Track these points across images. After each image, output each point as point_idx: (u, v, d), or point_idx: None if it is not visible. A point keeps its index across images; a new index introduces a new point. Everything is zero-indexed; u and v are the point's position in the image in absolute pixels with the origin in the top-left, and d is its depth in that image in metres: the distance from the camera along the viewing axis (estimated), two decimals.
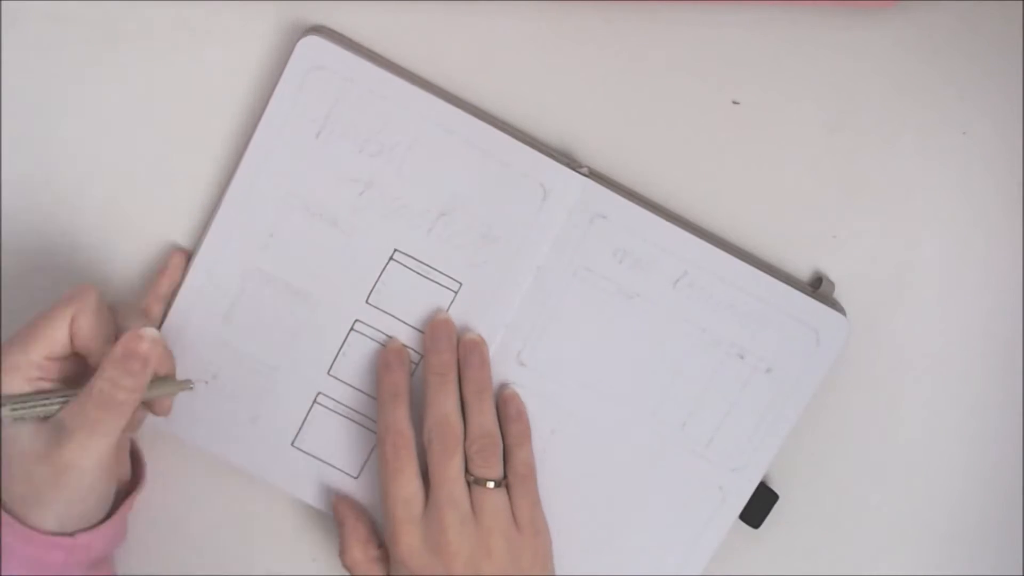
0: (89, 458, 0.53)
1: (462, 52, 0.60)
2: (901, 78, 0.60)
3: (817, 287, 0.61)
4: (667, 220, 0.59)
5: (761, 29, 0.60)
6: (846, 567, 0.65)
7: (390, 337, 0.61)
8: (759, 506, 0.63)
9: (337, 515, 0.62)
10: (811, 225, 0.62)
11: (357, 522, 0.62)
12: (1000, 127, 0.61)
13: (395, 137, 0.58)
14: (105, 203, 0.62)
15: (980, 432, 0.64)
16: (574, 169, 0.59)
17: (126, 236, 0.62)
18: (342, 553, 0.61)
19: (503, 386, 0.61)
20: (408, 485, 0.58)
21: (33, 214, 0.62)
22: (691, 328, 0.60)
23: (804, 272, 0.62)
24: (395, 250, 0.60)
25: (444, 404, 0.59)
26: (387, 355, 0.61)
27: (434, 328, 0.60)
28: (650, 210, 0.59)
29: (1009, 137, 0.61)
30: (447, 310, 0.60)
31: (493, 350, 0.60)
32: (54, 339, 0.54)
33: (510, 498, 0.60)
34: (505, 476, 0.60)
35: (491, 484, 0.59)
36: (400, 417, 0.59)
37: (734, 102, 0.60)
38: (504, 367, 0.61)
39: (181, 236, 0.62)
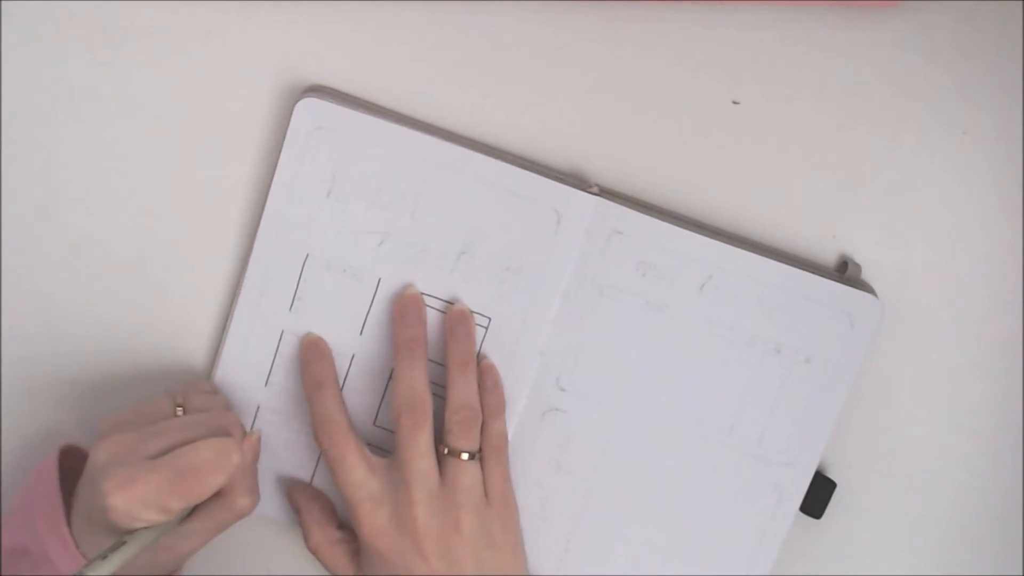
0: (201, 545, 0.57)
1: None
2: (901, 78, 0.60)
3: (844, 272, 0.60)
4: (683, 227, 0.59)
5: (762, 29, 0.60)
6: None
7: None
8: (818, 496, 0.62)
9: (292, 502, 0.63)
10: (809, 225, 0.62)
11: (312, 504, 0.62)
12: (1000, 127, 0.61)
13: (404, 185, 0.59)
14: (107, 205, 0.62)
15: (978, 435, 0.64)
16: (584, 190, 0.59)
17: (126, 242, 0.63)
18: (305, 539, 0.62)
19: (480, 356, 0.61)
20: (354, 469, 0.58)
21: (33, 215, 0.62)
22: (724, 331, 0.60)
23: (828, 259, 0.62)
24: (421, 295, 0.60)
25: (413, 378, 0.59)
26: (307, 351, 0.61)
27: (403, 302, 0.60)
28: (665, 219, 0.59)
29: (1009, 137, 0.61)
30: (480, 346, 0.61)
31: (531, 379, 0.61)
32: (199, 499, 0.55)
33: (482, 470, 0.59)
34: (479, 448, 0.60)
35: (466, 456, 0.58)
36: (329, 405, 0.60)
37: (734, 102, 0.60)
38: (544, 394, 0.61)
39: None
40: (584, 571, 0.63)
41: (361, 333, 0.61)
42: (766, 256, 0.59)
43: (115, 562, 0.52)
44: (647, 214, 0.59)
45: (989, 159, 0.61)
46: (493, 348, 0.61)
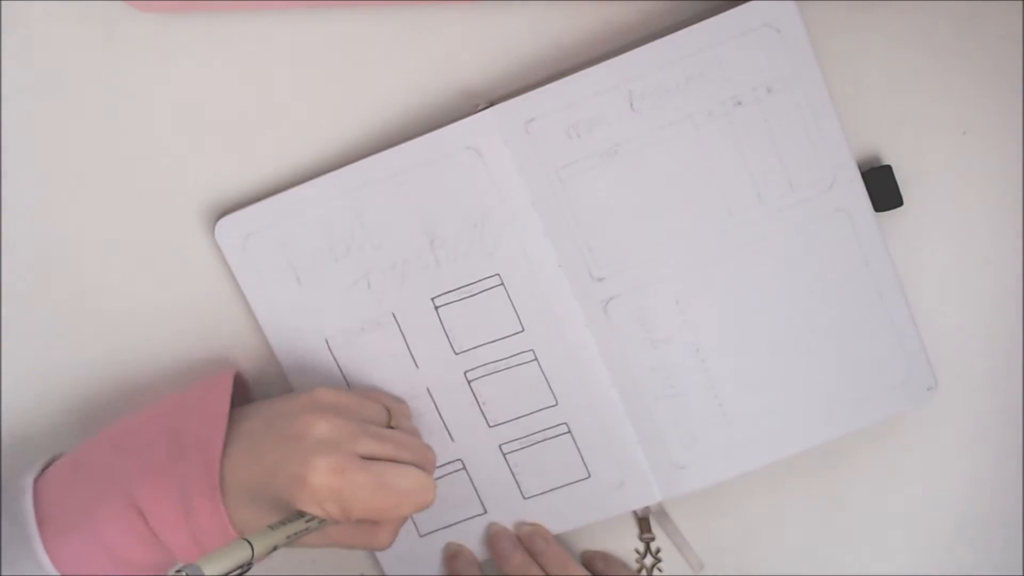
0: (313, 547, 0.57)
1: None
2: (901, 78, 0.60)
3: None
4: (574, 74, 0.57)
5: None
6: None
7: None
8: (883, 187, 0.59)
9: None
10: None
11: None
12: (1000, 127, 0.60)
13: (343, 226, 0.60)
14: (106, 207, 0.62)
15: (981, 435, 0.64)
16: (475, 112, 0.58)
17: (125, 242, 0.62)
18: None
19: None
20: None
21: (33, 215, 0.61)
22: (681, 124, 0.58)
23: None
24: (431, 300, 0.61)
25: None
26: (452, 562, 0.64)
27: (494, 540, 0.63)
28: (555, 80, 0.58)
29: (1009, 137, 0.60)
30: (509, 301, 0.60)
31: (568, 292, 0.60)
32: (381, 519, 0.55)
33: None
34: None
35: None
36: None
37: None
38: (589, 295, 0.60)
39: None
40: (750, 414, 0.61)
41: (418, 367, 0.62)
42: (661, 37, 0.57)
43: (276, 538, 0.50)
44: (537, 87, 0.58)
45: (989, 159, 0.61)
46: (520, 298, 0.60)
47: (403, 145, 0.58)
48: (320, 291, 0.61)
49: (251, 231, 0.60)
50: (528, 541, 0.63)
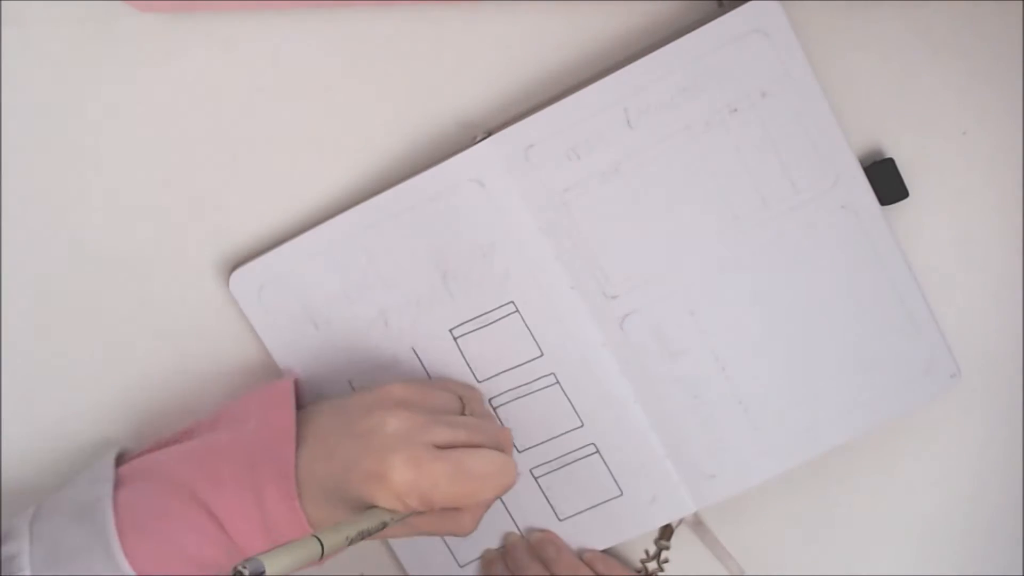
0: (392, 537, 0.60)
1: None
2: (900, 78, 0.60)
3: (721, 3, 0.58)
4: (568, 96, 0.58)
5: None
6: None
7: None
8: (887, 181, 0.59)
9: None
10: None
11: None
12: (1000, 127, 0.60)
13: (355, 267, 0.60)
14: (107, 207, 0.62)
15: (982, 435, 0.64)
16: (475, 144, 0.59)
17: (126, 240, 0.62)
18: None
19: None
20: None
21: (33, 217, 0.61)
22: (679, 137, 0.58)
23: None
24: (449, 332, 0.61)
25: None
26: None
27: (510, 551, 0.63)
28: (549, 105, 0.58)
29: (1009, 137, 0.60)
30: (526, 328, 0.61)
31: (584, 313, 0.60)
32: (464, 505, 0.55)
33: None
34: None
35: None
36: None
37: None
38: (604, 313, 0.60)
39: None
40: (774, 417, 0.61)
41: None
42: (652, 51, 0.57)
43: (347, 532, 0.49)
44: (533, 112, 0.58)
45: (989, 159, 0.60)
46: (536, 320, 0.60)
47: (405, 183, 0.59)
48: (339, 334, 0.61)
49: (264, 282, 0.61)
50: (539, 548, 0.63)
